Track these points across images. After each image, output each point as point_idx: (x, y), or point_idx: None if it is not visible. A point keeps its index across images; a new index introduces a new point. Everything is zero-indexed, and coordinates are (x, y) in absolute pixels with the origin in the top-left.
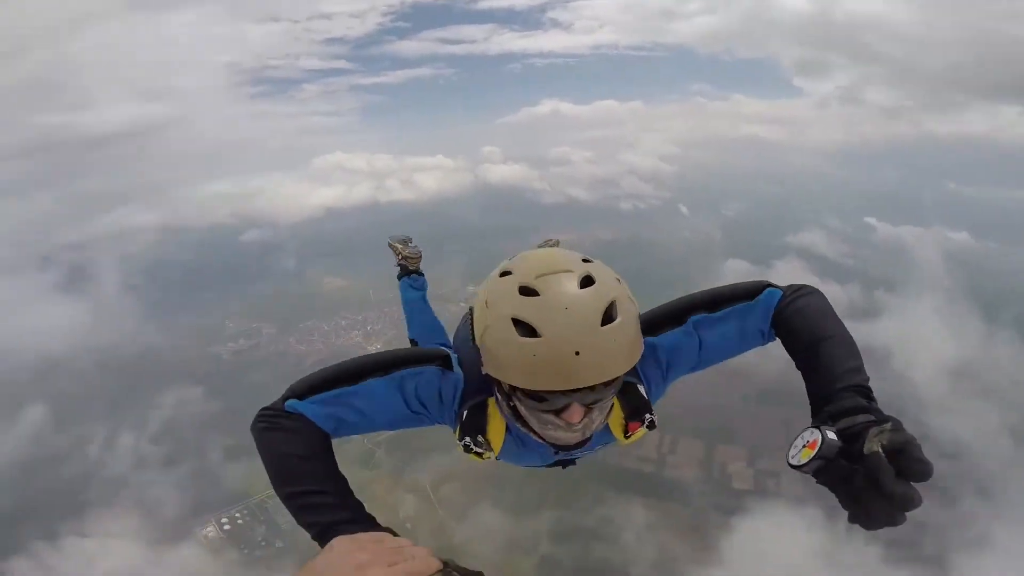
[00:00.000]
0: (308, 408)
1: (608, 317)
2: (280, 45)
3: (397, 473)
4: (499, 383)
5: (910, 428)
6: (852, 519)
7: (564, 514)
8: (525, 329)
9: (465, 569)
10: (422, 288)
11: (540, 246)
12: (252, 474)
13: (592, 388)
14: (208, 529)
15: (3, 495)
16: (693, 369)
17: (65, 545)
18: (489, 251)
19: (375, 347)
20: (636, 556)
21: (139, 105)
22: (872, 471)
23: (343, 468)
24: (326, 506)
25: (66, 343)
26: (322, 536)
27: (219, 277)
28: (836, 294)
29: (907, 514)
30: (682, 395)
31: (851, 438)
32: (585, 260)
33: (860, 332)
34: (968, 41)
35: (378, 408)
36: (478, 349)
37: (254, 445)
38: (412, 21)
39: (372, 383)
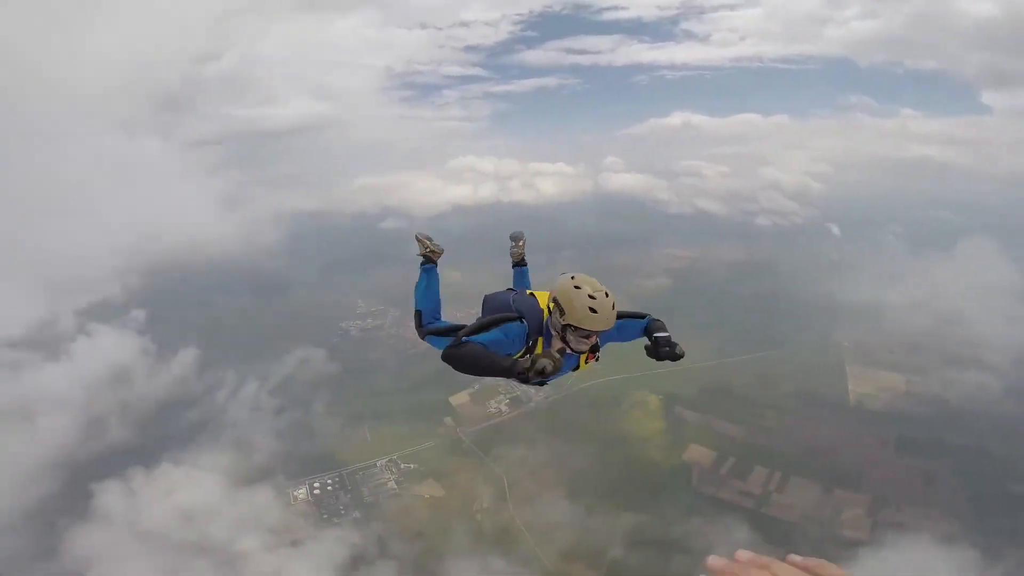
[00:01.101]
0: (472, 339)
1: (614, 307)
2: (426, 51)
3: (479, 461)
4: (563, 326)
5: None
6: (655, 354)
7: (646, 519)
8: (591, 309)
9: None
10: (436, 278)
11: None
12: (344, 439)
13: (602, 330)
14: (300, 491)
15: (136, 430)
16: (612, 340)
17: (156, 473)
18: (600, 260)
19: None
20: None
21: (310, 103)
22: (671, 346)
23: (439, 453)
24: (505, 359)
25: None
26: (507, 371)
27: (359, 259)
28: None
29: None
30: (804, 434)
31: (668, 340)
32: (602, 285)
33: None
34: None
35: (497, 342)
36: (539, 317)
37: (353, 412)
38: (539, 30)
39: (495, 331)
